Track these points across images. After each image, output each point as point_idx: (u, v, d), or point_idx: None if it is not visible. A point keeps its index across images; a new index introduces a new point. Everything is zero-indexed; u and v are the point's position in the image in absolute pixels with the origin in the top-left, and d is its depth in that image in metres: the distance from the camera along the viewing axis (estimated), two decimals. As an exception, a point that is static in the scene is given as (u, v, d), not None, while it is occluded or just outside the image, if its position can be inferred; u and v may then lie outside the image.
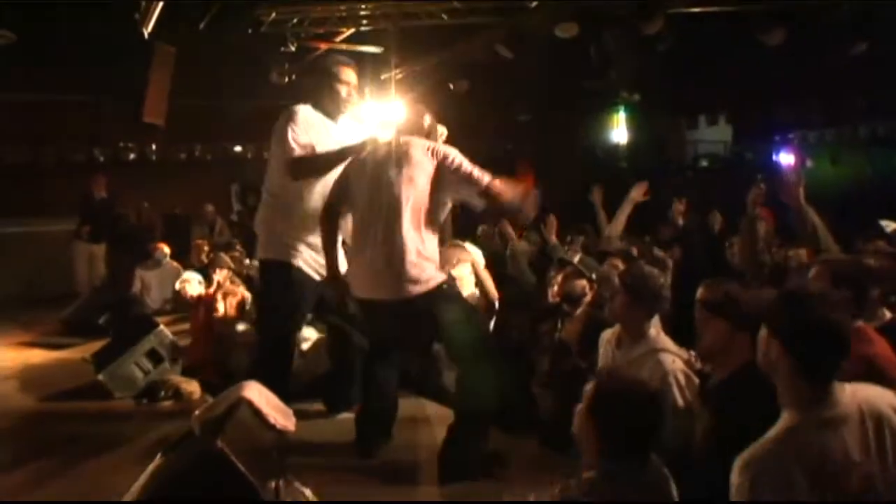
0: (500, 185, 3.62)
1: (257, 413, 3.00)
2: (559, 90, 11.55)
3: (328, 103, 4.08)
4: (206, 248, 7.86)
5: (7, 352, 6.79)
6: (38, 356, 6.61)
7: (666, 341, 3.16)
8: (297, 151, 3.85)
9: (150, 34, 7.54)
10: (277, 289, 4.08)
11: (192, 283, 5.67)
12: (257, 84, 10.64)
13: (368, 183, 3.61)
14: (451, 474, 3.53)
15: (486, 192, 3.62)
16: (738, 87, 11.12)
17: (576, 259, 5.10)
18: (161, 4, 6.92)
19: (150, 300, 8.01)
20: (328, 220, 3.79)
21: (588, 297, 4.48)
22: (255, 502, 2.57)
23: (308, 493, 3.04)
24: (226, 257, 6.27)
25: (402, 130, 3.83)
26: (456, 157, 3.66)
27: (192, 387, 5.02)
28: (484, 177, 3.62)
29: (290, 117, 3.93)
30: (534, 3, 6.33)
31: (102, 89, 10.22)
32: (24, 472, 3.83)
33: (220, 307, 5.42)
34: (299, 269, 4.01)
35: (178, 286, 5.78)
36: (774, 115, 12.99)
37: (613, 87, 10.65)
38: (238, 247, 7.81)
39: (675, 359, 3.05)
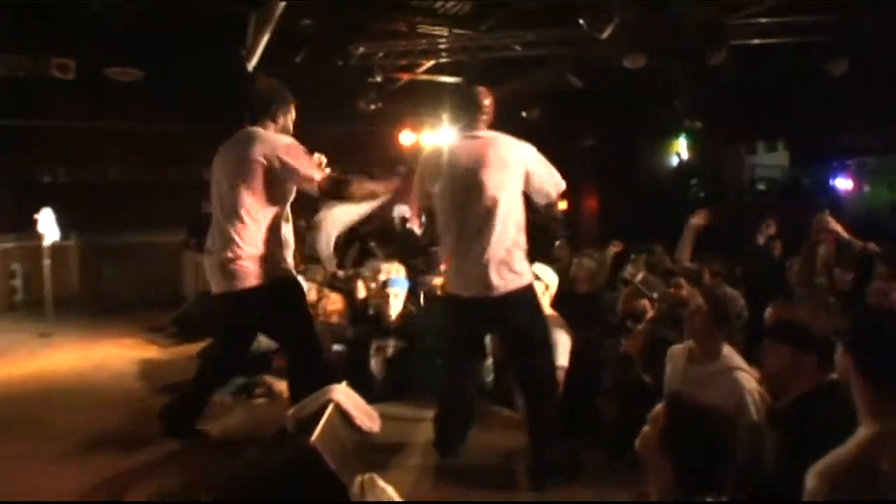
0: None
1: (345, 414, 2.98)
2: (624, 117, 11.38)
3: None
4: (297, 259, 7.95)
5: (125, 348, 7.05)
6: (151, 352, 6.83)
7: (739, 360, 3.03)
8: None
9: (253, 68, 7.73)
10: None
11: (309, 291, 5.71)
12: (345, 111, 10.84)
13: (459, 183, 3.43)
14: (538, 480, 3.43)
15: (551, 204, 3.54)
16: (798, 113, 10.73)
17: (639, 277, 4.96)
18: (264, 41, 7.07)
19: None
20: None
21: (650, 314, 4.35)
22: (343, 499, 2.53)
23: (391, 490, 3.00)
24: (319, 268, 6.33)
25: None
26: (540, 160, 3.55)
27: (282, 386, 5.04)
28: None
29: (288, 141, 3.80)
30: (604, 35, 6.20)
31: (212, 118, 10.54)
32: (137, 457, 3.88)
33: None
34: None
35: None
36: (833, 140, 12.48)
37: (677, 115, 10.41)
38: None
39: (750, 378, 2.91)
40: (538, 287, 4.39)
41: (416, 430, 4.14)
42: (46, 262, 8.31)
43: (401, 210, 13.92)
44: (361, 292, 5.97)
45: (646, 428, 2.11)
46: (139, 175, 12.09)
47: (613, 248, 6.79)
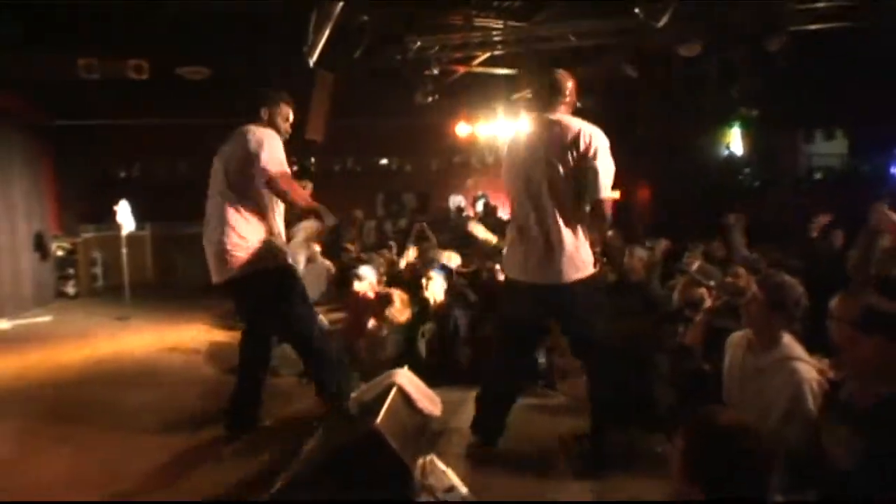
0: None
1: (407, 398, 2.96)
2: (676, 106, 11.09)
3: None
4: (355, 249, 8.03)
5: (195, 331, 7.24)
6: (219, 335, 6.99)
7: (799, 350, 2.88)
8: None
9: (314, 63, 7.77)
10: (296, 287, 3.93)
11: (365, 281, 5.74)
12: (402, 104, 10.85)
13: (526, 167, 3.29)
14: (590, 465, 3.36)
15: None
16: (857, 100, 10.26)
17: (695, 266, 4.84)
18: (324, 37, 7.10)
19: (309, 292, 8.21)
20: None
21: (708, 303, 4.23)
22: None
23: (450, 472, 2.98)
24: (379, 258, 6.35)
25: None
26: (608, 155, 3.32)
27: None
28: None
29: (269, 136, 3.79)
30: (660, 24, 6.01)
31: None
32: (208, 435, 3.96)
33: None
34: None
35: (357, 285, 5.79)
36: (893, 127, 11.89)
37: (731, 103, 10.07)
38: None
39: (809, 368, 2.78)
40: None
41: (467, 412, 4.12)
42: (124, 250, 8.57)
43: (456, 200, 13.92)
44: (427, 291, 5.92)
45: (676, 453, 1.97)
46: (207, 168, 12.37)
47: (664, 244, 6.63)
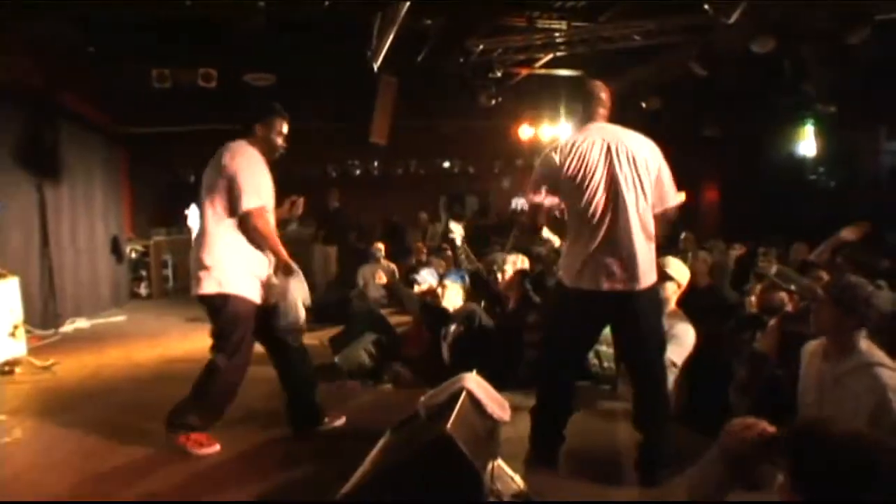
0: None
1: (477, 402, 2.94)
2: (746, 105, 10.75)
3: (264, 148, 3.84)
4: (423, 250, 8.08)
5: (261, 334, 7.36)
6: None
7: (879, 354, 2.71)
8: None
9: (378, 68, 7.86)
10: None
11: (424, 284, 5.76)
12: (465, 107, 10.86)
13: (600, 177, 3.16)
14: (649, 476, 3.26)
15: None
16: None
17: (773, 270, 4.65)
18: (388, 42, 7.17)
19: (369, 294, 8.30)
20: None
21: (789, 308, 4.05)
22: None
23: (517, 477, 2.95)
24: (440, 260, 6.37)
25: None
26: (663, 163, 3.33)
27: (409, 374, 5.12)
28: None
29: (251, 156, 3.70)
30: (731, 20, 5.83)
31: (335, 117, 10.86)
32: (275, 433, 4.04)
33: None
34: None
35: (418, 288, 5.83)
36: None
37: (806, 100, 9.69)
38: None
39: (893, 374, 2.62)
40: (670, 287, 4.17)
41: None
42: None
43: (518, 202, 13.83)
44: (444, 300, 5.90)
45: (779, 478, 1.87)
46: (272, 173, 12.65)
47: (736, 252, 6.41)
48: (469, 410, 2.83)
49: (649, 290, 3.22)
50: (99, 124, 9.78)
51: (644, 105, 9.66)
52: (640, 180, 3.19)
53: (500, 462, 2.93)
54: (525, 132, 11.80)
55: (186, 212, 8.97)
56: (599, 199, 3.16)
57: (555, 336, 3.52)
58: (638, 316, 3.23)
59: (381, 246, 8.57)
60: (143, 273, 10.92)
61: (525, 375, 4.41)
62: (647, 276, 3.19)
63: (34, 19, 7.13)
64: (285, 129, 3.85)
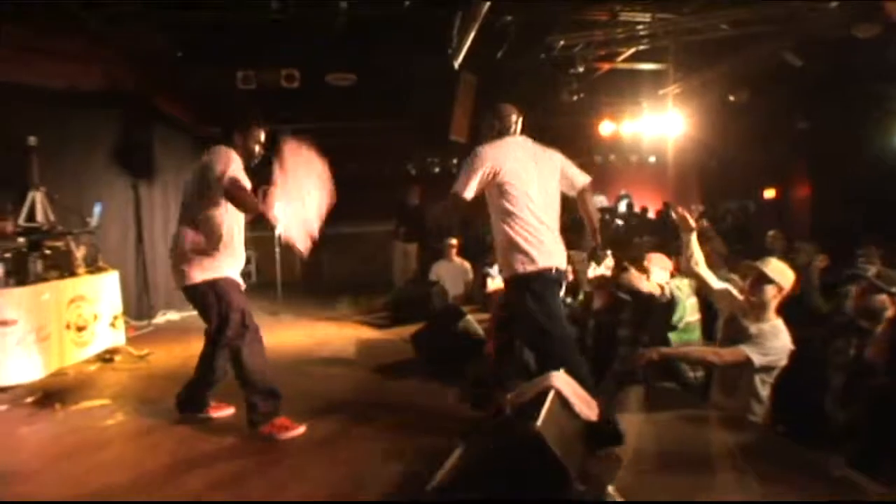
0: None
1: (565, 401, 2.91)
2: (841, 97, 10.23)
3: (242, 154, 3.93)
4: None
5: (343, 328, 7.57)
6: (366, 333, 7.26)
7: None
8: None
9: (459, 66, 7.87)
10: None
11: (497, 280, 5.73)
12: (543, 104, 10.75)
13: (539, 177, 3.84)
14: None
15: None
16: None
17: (872, 271, 4.38)
18: (469, 39, 7.18)
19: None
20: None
21: (890, 312, 3.82)
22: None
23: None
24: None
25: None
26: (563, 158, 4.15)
27: (489, 370, 5.10)
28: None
29: (227, 153, 3.82)
30: (833, 3, 5.53)
31: (415, 115, 10.96)
32: (360, 426, 4.10)
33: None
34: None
35: (491, 284, 5.81)
36: None
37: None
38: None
39: None
40: (769, 291, 3.96)
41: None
42: (277, 250, 9.08)
43: (598, 199, 13.64)
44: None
45: None
46: (353, 171, 12.92)
47: (819, 264, 6.07)
48: (557, 409, 2.81)
49: None
50: (187, 125, 10.20)
51: (731, 98, 9.34)
52: (550, 177, 3.92)
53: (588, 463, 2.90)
54: (606, 128, 11.60)
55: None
56: (533, 193, 3.76)
57: (558, 318, 3.81)
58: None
59: (454, 242, 8.58)
60: (228, 268, 11.31)
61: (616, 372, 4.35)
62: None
63: (128, 29, 7.49)
64: (262, 137, 4.01)
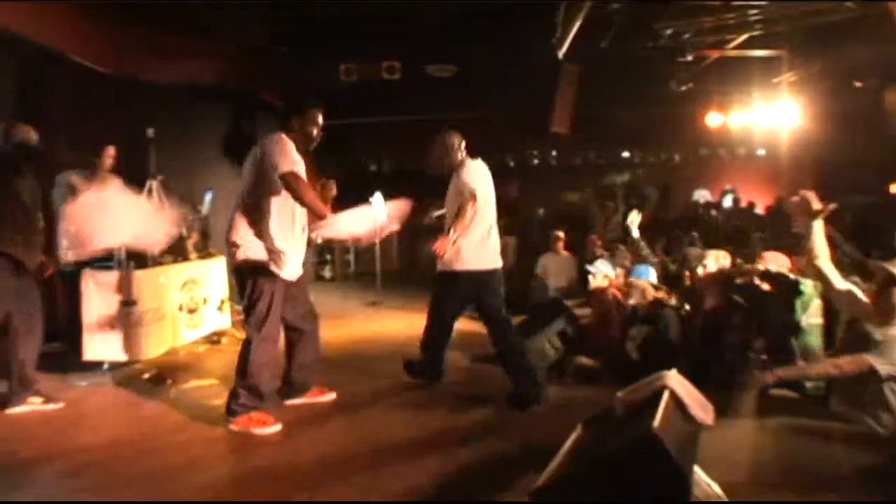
0: None
1: (680, 403, 2.75)
2: None
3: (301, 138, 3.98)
4: (599, 243, 7.84)
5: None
6: (466, 325, 7.10)
7: None
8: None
9: (566, 56, 7.70)
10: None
11: (598, 276, 5.57)
12: (647, 94, 10.41)
13: (490, 189, 4.74)
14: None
15: None
16: None
17: None
18: (575, 28, 7.01)
19: (550, 285, 8.16)
20: None
21: None
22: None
23: (716, 486, 2.74)
24: (625, 250, 6.13)
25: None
26: None
27: (592, 367, 4.98)
28: None
29: (282, 140, 3.85)
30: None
31: (515, 107, 10.84)
32: (462, 416, 4.10)
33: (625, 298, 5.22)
34: None
35: (593, 280, 5.63)
36: None
37: None
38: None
39: None
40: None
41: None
42: (377, 239, 9.18)
43: (701, 194, 13.11)
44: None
45: None
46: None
47: None
48: (673, 411, 2.65)
49: None
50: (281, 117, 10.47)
51: (859, 84, 8.68)
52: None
53: (696, 468, 2.74)
54: (713, 119, 11.07)
55: (371, 199, 9.34)
56: (490, 209, 4.74)
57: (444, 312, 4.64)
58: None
59: (561, 234, 8.41)
60: (328, 257, 11.59)
61: (722, 377, 4.11)
62: None
63: (238, 25, 7.76)
64: (320, 119, 4.05)
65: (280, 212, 3.89)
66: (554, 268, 8.25)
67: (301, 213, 4.02)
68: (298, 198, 3.81)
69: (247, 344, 3.92)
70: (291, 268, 3.96)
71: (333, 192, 4.17)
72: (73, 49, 6.47)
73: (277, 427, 3.86)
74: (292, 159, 3.80)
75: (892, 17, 5.73)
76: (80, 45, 6.59)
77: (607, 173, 13.53)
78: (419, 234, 12.51)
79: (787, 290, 4.38)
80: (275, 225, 3.87)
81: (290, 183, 3.75)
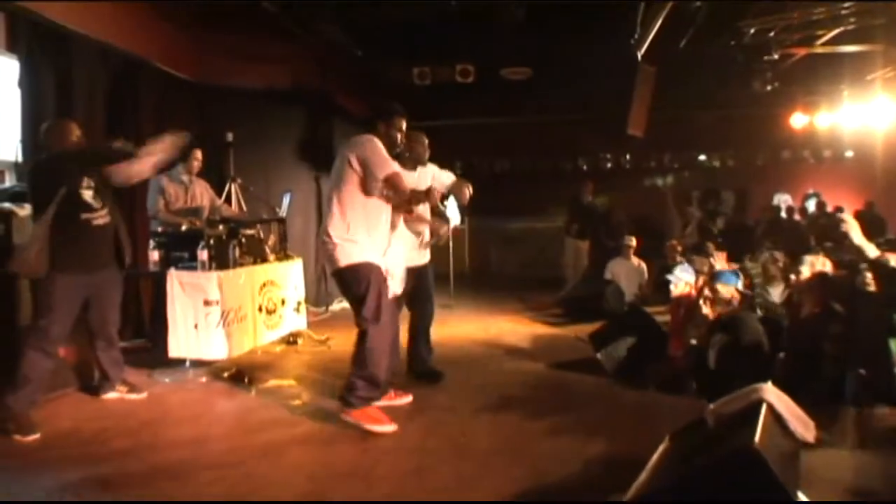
0: None
1: (779, 418, 2.61)
2: None
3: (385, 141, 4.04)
4: (679, 248, 7.61)
5: (516, 324, 7.53)
6: (540, 330, 7.14)
7: None
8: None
9: (642, 56, 7.51)
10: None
11: (680, 284, 5.38)
12: (725, 95, 10.05)
13: None
14: None
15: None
16: None
17: None
18: (656, 27, 6.81)
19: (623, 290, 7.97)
20: None
21: None
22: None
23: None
24: (704, 259, 5.91)
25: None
26: None
27: (673, 375, 4.80)
28: None
29: (375, 143, 3.95)
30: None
31: (587, 109, 10.66)
32: (540, 423, 4.02)
33: (704, 307, 5.01)
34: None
35: (674, 289, 5.45)
36: None
37: None
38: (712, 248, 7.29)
39: None
40: None
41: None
42: (450, 243, 9.16)
43: (782, 198, 12.58)
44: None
45: None
46: (524, 165, 12.86)
47: None
48: (772, 426, 2.52)
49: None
50: (366, 120, 10.56)
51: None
52: None
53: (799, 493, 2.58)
54: (798, 120, 10.58)
55: (445, 202, 9.33)
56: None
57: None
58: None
59: (633, 241, 8.22)
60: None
61: (821, 391, 3.90)
62: None
63: (315, 29, 7.86)
64: (403, 125, 4.16)
65: (372, 210, 3.98)
66: (624, 273, 8.07)
67: (387, 211, 4.12)
68: (403, 194, 3.99)
69: (362, 335, 3.93)
70: (386, 259, 4.11)
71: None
72: (157, 56, 6.69)
73: (392, 427, 3.87)
74: (389, 161, 3.94)
75: None
76: (164, 52, 6.81)
77: (681, 176, 13.16)
78: (491, 236, 12.52)
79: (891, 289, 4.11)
80: (370, 223, 3.97)
81: (396, 184, 3.91)
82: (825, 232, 9.71)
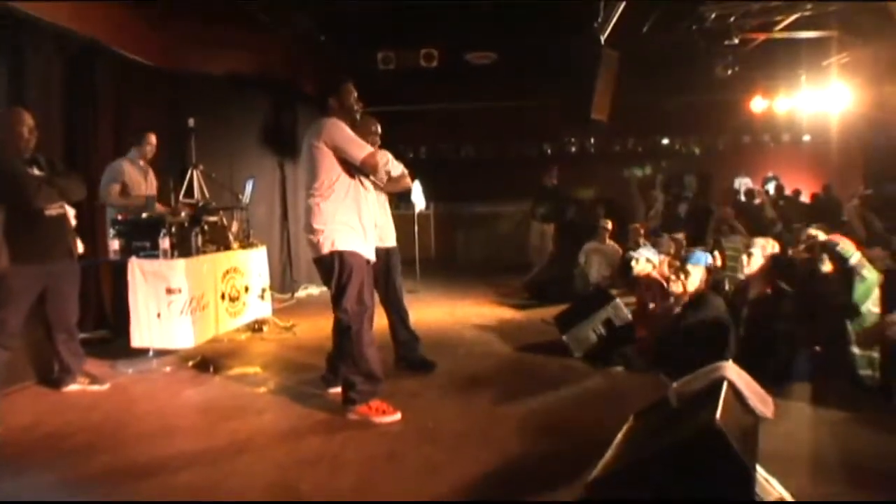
0: None
1: (739, 395, 2.67)
2: None
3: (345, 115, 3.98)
4: (641, 232, 7.70)
5: (482, 307, 7.56)
6: (507, 313, 7.19)
7: None
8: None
9: (605, 41, 7.54)
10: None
11: (641, 261, 5.43)
12: (688, 81, 10.17)
13: None
14: None
15: None
16: None
17: None
18: (618, 12, 6.85)
19: (591, 274, 8.06)
20: None
21: None
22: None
23: (773, 481, 2.64)
24: (669, 241, 5.99)
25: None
26: None
27: (639, 356, 4.88)
28: None
29: (339, 126, 3.86)
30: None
31: (551, 94, 10.69)
32: (509, 406, 4.04)
33: (675, 285, 5.07)
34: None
35: (635, 265, 5.48)
36: None
37: None
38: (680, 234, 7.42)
39: None
40: None
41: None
42: (416, 228, 9.15)
43: (743, 181, 12.80)
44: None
45: None
46: (490, 151, 12.89)
47: None
48: (732, 402, 2.57)
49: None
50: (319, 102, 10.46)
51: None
52: None
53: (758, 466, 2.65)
54: (758, 105, 10.77)
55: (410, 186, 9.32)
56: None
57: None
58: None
59: (608, 224, 8.28)
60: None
61: (776, 369, 4.00)
62: None
63: (278, 15, 7.74)
64: (353, 90, 4.02)
65: (351, 192, 3.91)
66: (597, 257, 8.14)
67: (368, 195, 4.04)
68: (378, 174, 3.95)
69: (346, 331, 3.88)
70: (369, 246, 4.01)
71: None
72: (118, 43, 6.51)
73: (397, 416, 3.84)
74: (359, 141, 3.86)
75: (893, 18, 5.50)
76: (125, 38, 6.63)
77: (644, 161, 13.31)
78: (457, 222, 12.53)
79: (846, 270, 4.22)
80: (347, 205, 3.89)
81: (373, 166, 3.86)
82: (786, 214, 9.95)
